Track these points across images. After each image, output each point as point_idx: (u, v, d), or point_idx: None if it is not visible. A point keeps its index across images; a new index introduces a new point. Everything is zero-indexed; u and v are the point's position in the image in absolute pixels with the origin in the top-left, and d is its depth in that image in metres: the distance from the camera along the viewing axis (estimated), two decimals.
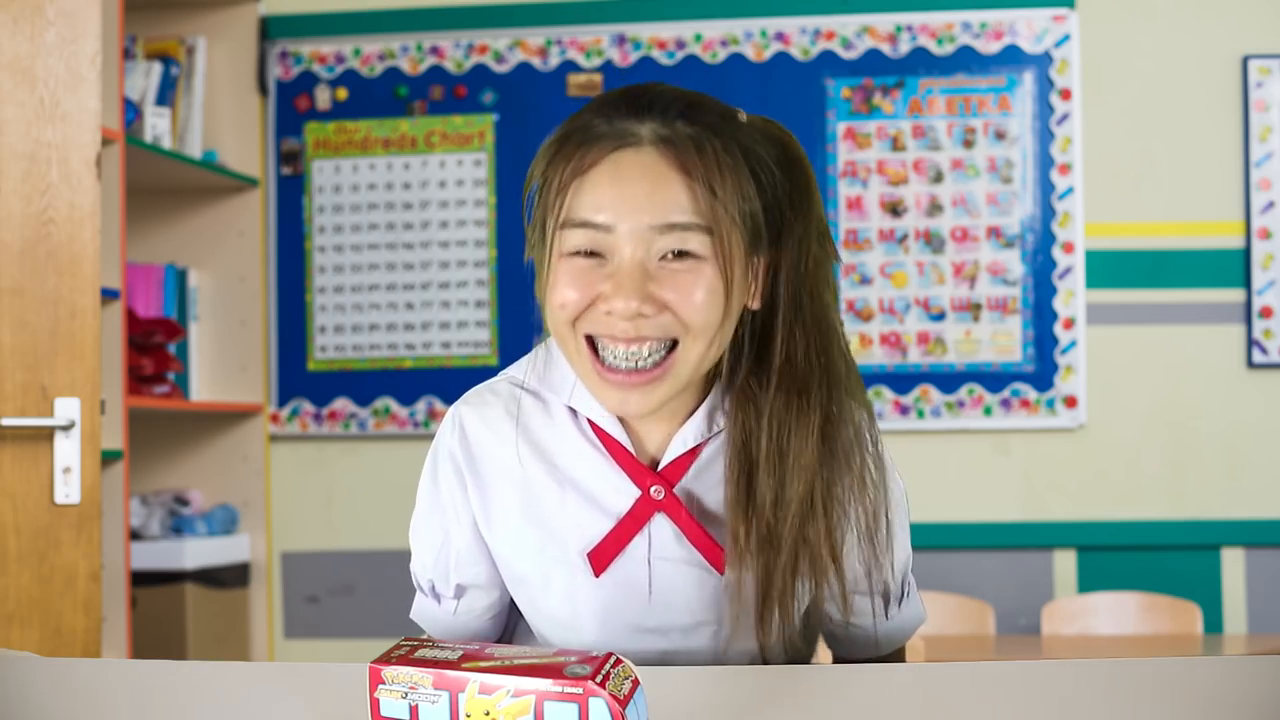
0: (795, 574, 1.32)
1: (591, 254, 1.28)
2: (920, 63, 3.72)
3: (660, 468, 1.38)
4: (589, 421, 1.39)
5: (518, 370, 1.45)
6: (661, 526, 1.37)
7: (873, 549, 1.37)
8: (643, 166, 1.27)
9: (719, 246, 1.26)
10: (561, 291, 1.29)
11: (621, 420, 1.38)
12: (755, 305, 1.34)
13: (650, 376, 1.29)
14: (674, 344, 1.29)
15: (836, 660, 1.55)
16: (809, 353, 1.33)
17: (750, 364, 1.35)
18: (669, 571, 1.37)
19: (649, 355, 1.28)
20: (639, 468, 1.38)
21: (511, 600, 1.49)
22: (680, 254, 1.27)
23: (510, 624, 1.53)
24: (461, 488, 1.43)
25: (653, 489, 1.37)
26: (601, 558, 1.37)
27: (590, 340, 1.30)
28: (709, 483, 1.38)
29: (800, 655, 1.49)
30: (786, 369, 1.33)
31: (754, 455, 1.32)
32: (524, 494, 1.40)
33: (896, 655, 1.54)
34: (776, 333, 1.33)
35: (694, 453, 1.38)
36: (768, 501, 1.31)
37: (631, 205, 1.26)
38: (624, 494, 1.37)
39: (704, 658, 1.40)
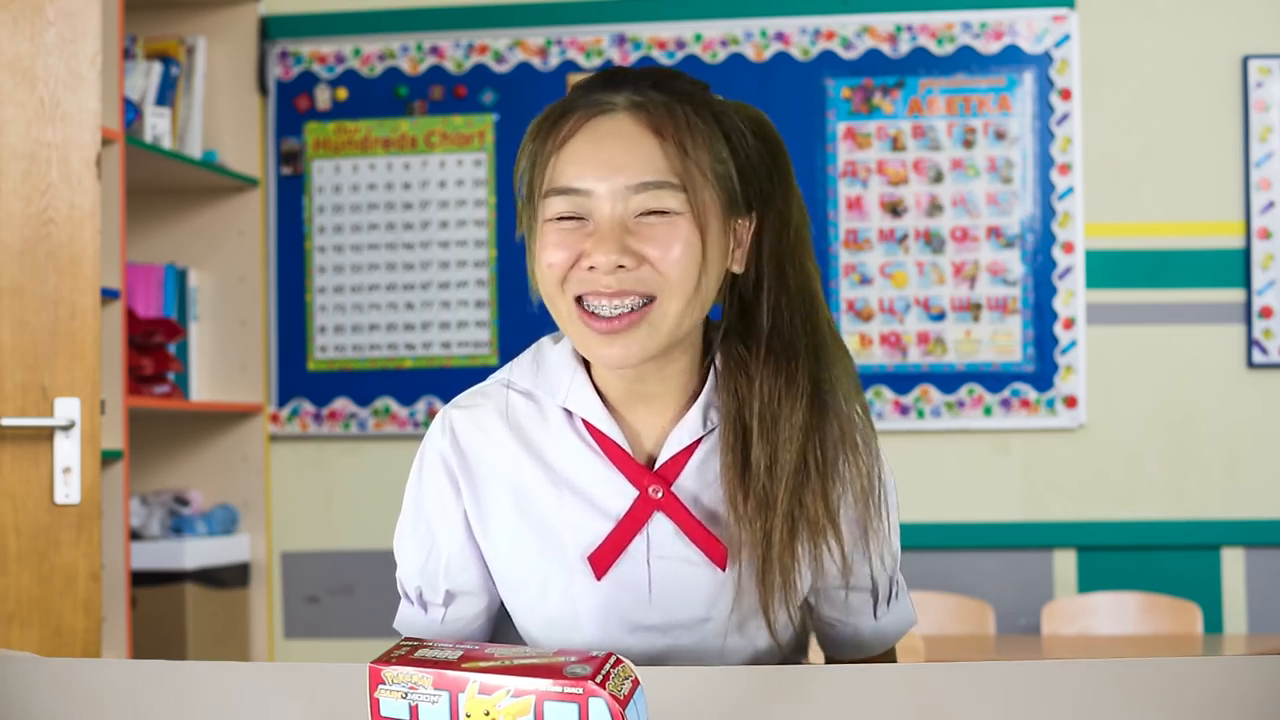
0: (793, 535, 1.35)
1: (574, 218, 1.33)
2: (920, 63, 3.72)
3: (657, 466, 1.39)
4: (584, 422, 1.40)
5: (508, 372, 1.45)
6: (660, 525, 1.38)
7: (868, 509, 1.39)
8: (616, 130, 1.33)
9: (693, 202, 1.31)
10: (548, 253, 1.33)
11: (617, 419, 1.39)
12: (738, 268, 1.39)
13: (630, 320, 1.32)
14: (651, 299, 1.32)
15: (828, 663, 1.54)
16: (794, 320, 1.39)
17: (739, 332, 1.40)
18: (668, 570, 1.38)
19: (630, 306, 1.32)
20: (636, 467, 1.38)
21: (500, 608, 1.48)
22: (656, 211, 1.32)
23: (498, 634, 1.52)
24: (453, 491, 1.42)
25: (651, 488, 1.38)
26: (602, 561, 1.37)
27: (578, 301, 1.34)
28: (706, 479, 1.39)
29: (799, 643, 1.50)
30: (774, 336, 1.38)
31: (747, 422, 1.36)
32: (519, 496, 1.40)
33: (886, 658, 1.53)
34: (763, 301, 1.39)
35: (690, 450, 1.39)
36: (762, 466, 1.35)
37: (608, 168, 1.31)
38: (622, 495, 1.38)
39: (705, 653, 1.40)
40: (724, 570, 1.37)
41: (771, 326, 1.38)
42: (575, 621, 1.39)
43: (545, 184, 1.34)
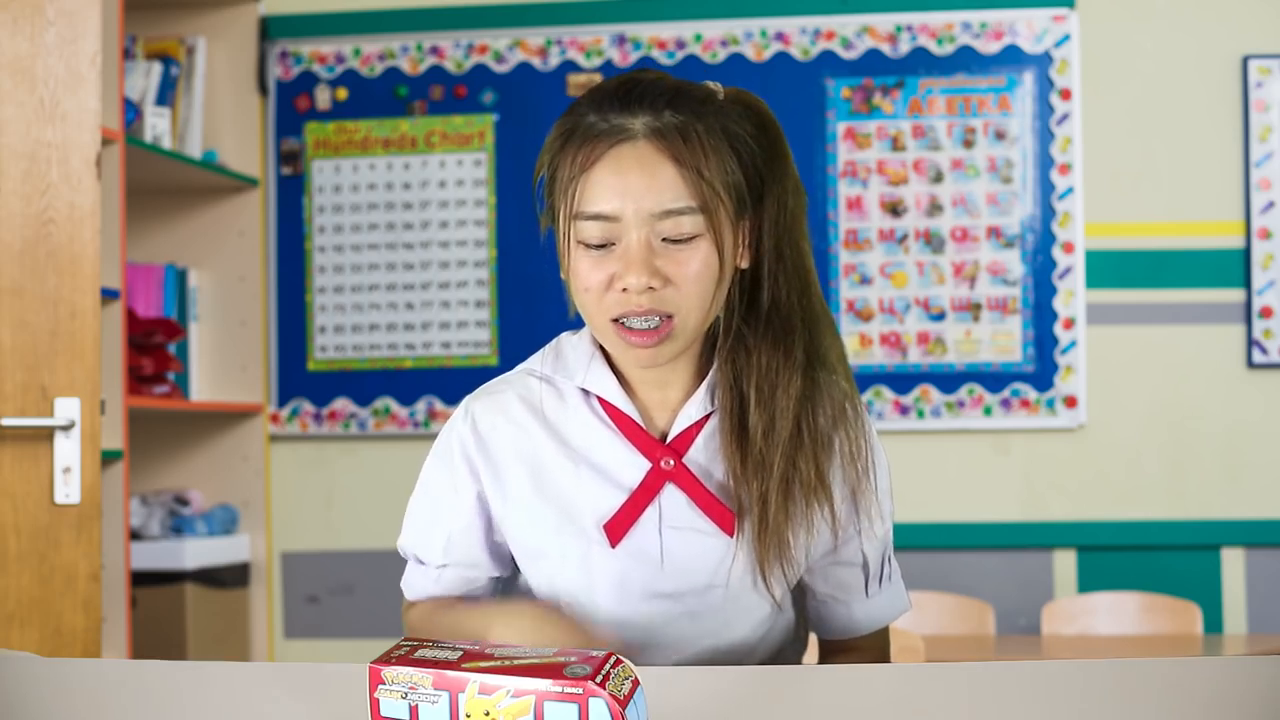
0: (788, 497, 1.44)
1: (603, 245, 1.42)
2: (920, 63, 3.72)
3: (669, 440, 1.48)
4: (600, 400, 1.50)
5: (529, 362, 1.56)
6: (672, 496, 1.47)
7: (856, 473, 1.48)
8: (639, 158, 1.41)
9: (711, 222, 1.42)
10: (582, 278, 1.44)
11: (632, 398, 1.49)
12: (745, 264, 1.48)
13: (659, 335, 1.42)
14: (671, 316, 1.43)
15: (821, 646, 1.62)
16: (790, 297, 1.48)
17: (742, 313, 1.48)
18: (679, 539, 1.47)
19: (656, 322, 1.43)
20: (649, 441, 1.48)
21: (504, 582, 1.57)
22: (677, 239, 1.42)
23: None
24: (469, 474, 1.52)
25: (663, 460, 1.47)
26: (617, 529, 1.46)
27: (614, 321, 1.44)
28: (714, 452, 1.48)
29: (799, 633, 1.57)
30: (772, 312, 1.48)
31: (745, 391, 1.46)
32: (538, 472, 1.50)
33: (879, 638, 1.59)
34: (763, 283, 1.48)
35: (699, 425, 1.48)
36: (759, 432, 1.45)
37: (633, 195, 1.41)
38: (636, 467, 1.48)
39: (715, 617, 1.48)
40: (732, 537, 1.46)
41: (770, 303, 1.48)
42: (591, 590, 1.47)
43: (575, 207, 1.43)
